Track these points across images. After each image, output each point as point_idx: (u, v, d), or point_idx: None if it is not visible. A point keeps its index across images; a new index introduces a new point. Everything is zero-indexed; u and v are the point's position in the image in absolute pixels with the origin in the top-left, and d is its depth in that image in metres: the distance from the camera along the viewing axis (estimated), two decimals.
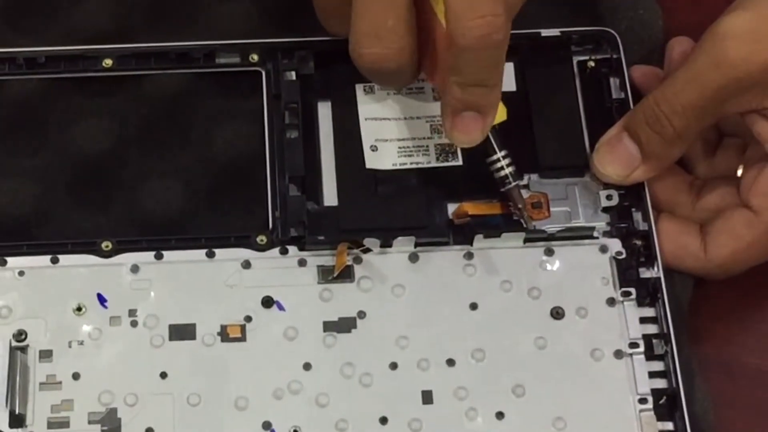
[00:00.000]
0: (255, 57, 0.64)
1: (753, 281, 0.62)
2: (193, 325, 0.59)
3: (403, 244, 0.60)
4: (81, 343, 0.58)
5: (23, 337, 0.58)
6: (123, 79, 0.64)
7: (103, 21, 0.65)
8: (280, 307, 0.59)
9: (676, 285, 0.61)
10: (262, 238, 0.60)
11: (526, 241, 0.61)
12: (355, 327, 0.59)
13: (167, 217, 0.61)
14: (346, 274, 0.60)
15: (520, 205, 0.60)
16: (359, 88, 0.63)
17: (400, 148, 0.62)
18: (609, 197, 0.62)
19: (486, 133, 0.58)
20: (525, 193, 0.62)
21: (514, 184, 0.60)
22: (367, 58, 0.56)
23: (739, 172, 0.62)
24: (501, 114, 0.59)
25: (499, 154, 0.59)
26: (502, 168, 0.59)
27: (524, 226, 0.60)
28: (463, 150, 0.62)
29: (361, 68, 0.57)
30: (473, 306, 0.60)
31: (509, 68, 0.64)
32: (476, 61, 0.55)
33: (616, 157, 0.60)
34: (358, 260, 0.60)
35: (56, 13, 0.65)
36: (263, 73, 0.63)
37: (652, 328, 0.59)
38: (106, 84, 0.63)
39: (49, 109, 0.63)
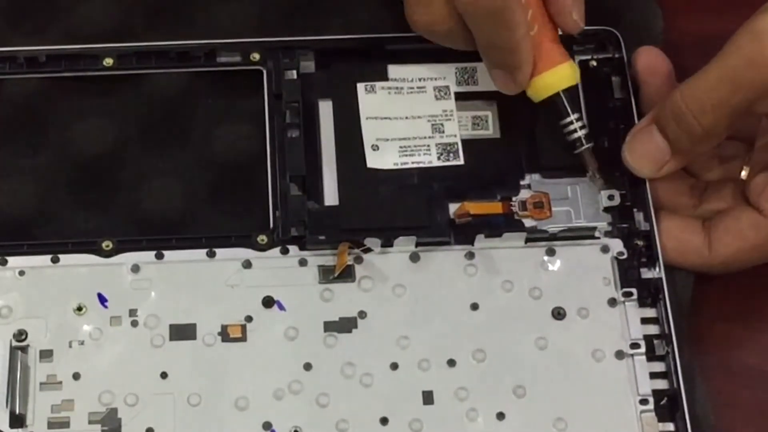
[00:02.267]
0: (256, 56, 0.64)
1: (754, 282, 0.62)
2: (194, 325, 0.59)
3: (404, 244, 0.60)
4: (81, 343, 0.58)
5: (24, 336, 0.58)
6: (123, 79, 0.63)
7: (104, 21, 0.65)
8: (281, 307, 0.59)
9: (678, 285, 0.61)
10: (262, 238, 0.60)
11: (527, 241, 0.61)
12: (355, 327, 0.59)
13: (168, 217, 0.61)
14: (346, 274, 0.60)
15: (591, 168, 0.61)
16: (360, 87, 0.63)
17: (401, 147, 0.62)
18: (611, 197, 0.61)
19: (521, 87, 0.60)
20: (527, 192, 0.62)
21: (586, 146, 0.60)
22: (419, 23, 0.60)
23: (743, 174, 0.61)
24: (572, 77, 0.60)
25: (571, 117, 0.60)
26: (574, 131, 0.60)
27: (597, 187, 0.61)
28: (465, 150, 0.62)
29: (416, 31, 0.60)
30: (474, 306, 0.59)
31: None
32: (478, 24, 0.57)
33: (647, 152, 0.60)
34: (359, 260, 0.60)
35: (56, 14, 0.65)
36: (264, 72, 0.63)
37: (653, 329, 0.59)
38: (106, 84, 0.63)
39: (49, 108, 0.63)
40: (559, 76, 0.60)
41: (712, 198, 0.62)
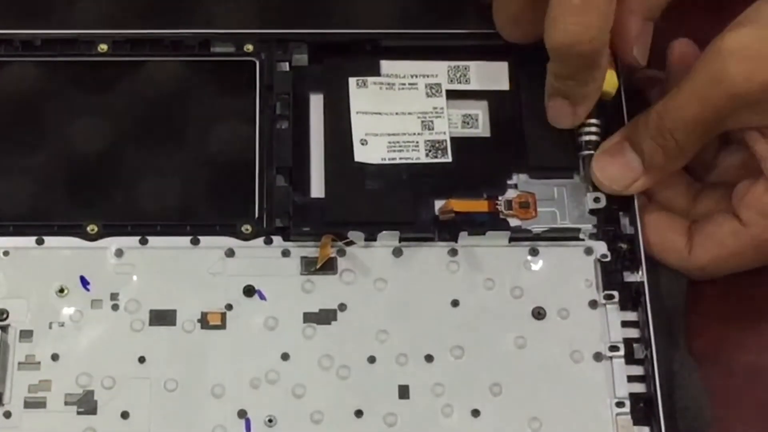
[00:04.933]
0: (250, 47, 0.64)
1: (753, 282, 0.62)
2: (174, 311, 0.59)
3: (388, 239, 0.60)
4: (62, 324, 0.58)
5: (4, 316, 0.58)
6: (118, 71, 0.64)
7: (101, 17, 0.65)
8: (262, 297, 0.59)
9: (672, 284, 0.60)
10: (247, 228, 0.60)
11: (511, 240, 0.60)
12: (335, 319, 0.59)
13: (157, 202, 0.61)
14: (329, 267, 0.60)
15: (588, 176, 0.61)
16: (352, 82, 0.63)
17: (390, 143, 0.62)
18: (597, 200, 0.61)
19: (578, 121, 0.61)
20: (513, 192, 0.62)
21: (591, 152, 0.61)
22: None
23: None
24: (612, 84, 0.61)
25: (592, 120, 0.61)
26: (587, 133, 0.61)
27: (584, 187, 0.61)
28: (453, 147, 0.62)
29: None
30: (455, 303, 0.59)
31: (503, 68, 0.64)
32: (563, 61, 0.58)
33: (618, 168, 0.60)
34: (341, 253, 0.60)
35: (54, 7, 0.65)
36: (257, 64, 0.63)
37: (633, 332, 0.59)
38: (100, 75, 0.63)
39: (42, 105, 0.63)
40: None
41: (706, 200, 0.61)
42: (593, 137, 0.61)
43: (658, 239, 0.60)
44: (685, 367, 0.58)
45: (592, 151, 0.61)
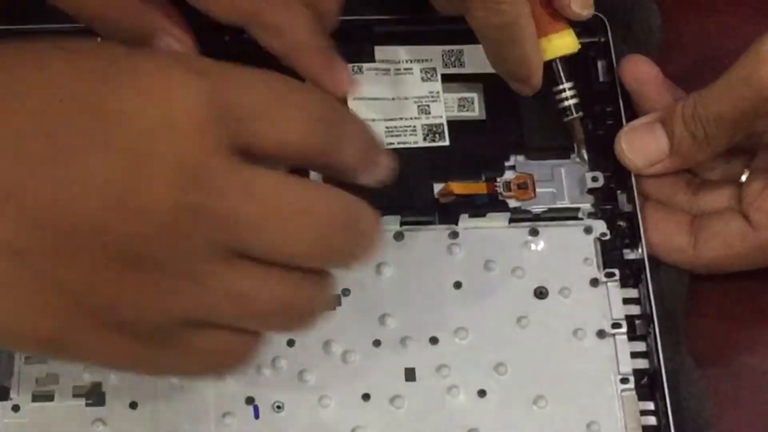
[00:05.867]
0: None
1: (754, 281, 0.62)
2: None
3: (389, 223, 0.60)
4: None
5: None
6: None
7: None
8: None
9: (672, 285, 0.61)
10: None
11: (510, 221, 0.61)
12: (339, 304, 0.59)
13: None
14: None
15: (577, 140, 0.62)
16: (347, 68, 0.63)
17: (387, 128, 0.62)
18: (594, 179, 0.62)
19: (536, 88, 0.60)
20: (511, 173, 0.62)
21: (574, 116, 0.61)
22: None
23: (743, 178, 0.61)
24: (569, 45, 0.61)
25: (564, 86, 0.61)
26: (564, 99, 0.61)
27: (581, 163, 0.62)
28: (450, 131, 0.63)
29: None
30: (457, 285, 0.60)
31: None
32: (489, 39, 0.58)
33: (645, 146, 0.60)
34: None
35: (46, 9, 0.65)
36: None
37: (635, 309, 0.60)
38: None
39: None
40: (553, 44, 0.60)
41: (708, 197, 0.61)
42: (572, 101, 0.61)
43: (660, 237, 0.60)
44: (685, 367, 0.59)
45: (574, 116, 0.61)
